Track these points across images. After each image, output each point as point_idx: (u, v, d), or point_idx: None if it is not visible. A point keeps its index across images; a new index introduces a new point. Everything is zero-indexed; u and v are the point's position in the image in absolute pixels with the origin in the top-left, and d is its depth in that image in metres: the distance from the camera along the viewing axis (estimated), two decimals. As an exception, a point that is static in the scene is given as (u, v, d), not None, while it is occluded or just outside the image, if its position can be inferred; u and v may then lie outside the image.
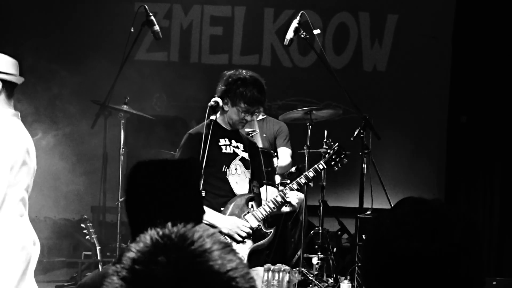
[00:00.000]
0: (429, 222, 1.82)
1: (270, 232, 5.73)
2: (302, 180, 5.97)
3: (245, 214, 5.63)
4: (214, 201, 5.59)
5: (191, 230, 1.40)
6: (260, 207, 5.69)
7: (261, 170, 6.04)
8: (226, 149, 5.67)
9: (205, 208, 5.31)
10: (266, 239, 5.71)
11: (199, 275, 1.34)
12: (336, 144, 6.36)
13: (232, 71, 5.69)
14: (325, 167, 6.24)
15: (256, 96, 5.56)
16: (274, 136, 7.86)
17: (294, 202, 5.98)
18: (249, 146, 5.89)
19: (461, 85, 9.54)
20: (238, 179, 5.70)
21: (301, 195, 7.42)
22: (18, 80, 4.45)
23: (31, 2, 9.78)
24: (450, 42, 9.64)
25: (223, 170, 5.63)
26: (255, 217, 5.66)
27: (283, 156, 7.68)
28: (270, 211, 5.71)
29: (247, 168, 5.76)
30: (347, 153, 6.38)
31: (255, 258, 5.66)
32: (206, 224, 5.43)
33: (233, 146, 5.71)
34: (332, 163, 6.29)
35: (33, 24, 9.65)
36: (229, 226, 5.51)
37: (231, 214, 5.59)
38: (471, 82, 9.45)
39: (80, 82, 8.57)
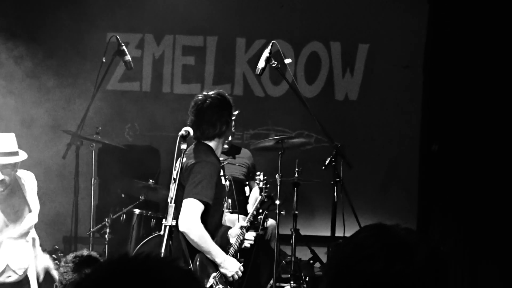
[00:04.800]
0: (389, 246, 1.81)
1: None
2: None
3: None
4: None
5: (150, 258, 1.37)
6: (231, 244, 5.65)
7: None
8: (224, 182, 5.64)
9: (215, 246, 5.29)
10: None
11: None
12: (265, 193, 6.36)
13: (213, 95, 5.57)
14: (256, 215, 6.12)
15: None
16: (252, 165, 7.83)
17: (248, 243, 5.88)
18: None
19: (432, 114, 9.58)
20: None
21: (273, 221, 7.41)
22: None
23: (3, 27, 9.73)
24: (421, 71, 9.70)
25: (225, 205, 5.71)
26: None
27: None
28: (238, 247, 5.67)
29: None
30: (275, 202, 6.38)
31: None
32: (210, 260, 5.38)
33: (222, 176, 5.65)
34: (260, 210, 6.20)
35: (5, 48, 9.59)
36: (233, 269, 5.47)
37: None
38: (442, 111, 9.48)
39: (52, 112, 8.54)
